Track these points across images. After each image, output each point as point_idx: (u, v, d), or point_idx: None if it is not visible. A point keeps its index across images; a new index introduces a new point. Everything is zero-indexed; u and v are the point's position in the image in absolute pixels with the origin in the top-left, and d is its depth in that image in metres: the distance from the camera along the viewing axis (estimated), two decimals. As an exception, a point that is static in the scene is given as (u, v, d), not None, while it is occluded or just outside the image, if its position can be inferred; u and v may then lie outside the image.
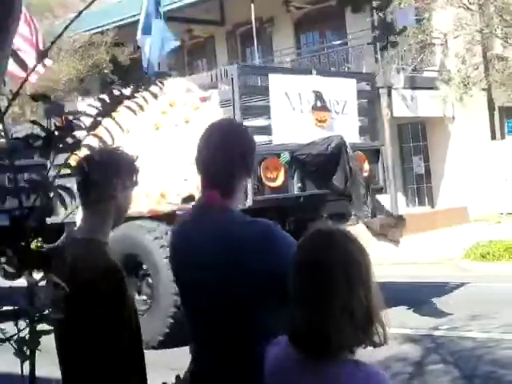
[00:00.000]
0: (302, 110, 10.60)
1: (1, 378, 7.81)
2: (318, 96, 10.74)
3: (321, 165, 10.38)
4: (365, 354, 2.26)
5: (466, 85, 21.20)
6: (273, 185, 10.22)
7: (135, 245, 9.92)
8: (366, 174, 10.98)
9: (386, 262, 15.12)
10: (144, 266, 10.11)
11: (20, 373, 1.89)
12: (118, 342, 3.00)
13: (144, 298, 10.10)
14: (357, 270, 2.17)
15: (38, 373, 1.96)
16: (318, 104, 10.80)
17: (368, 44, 22.41)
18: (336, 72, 14.49)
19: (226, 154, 2.80)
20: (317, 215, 10.44)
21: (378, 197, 11.51)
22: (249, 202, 9.68)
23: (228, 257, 2.68)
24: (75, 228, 3.33)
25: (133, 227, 9.64)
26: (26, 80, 1.76)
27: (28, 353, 1.87)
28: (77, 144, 2.03)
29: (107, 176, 3.09)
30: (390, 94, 21.80)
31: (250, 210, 9.54)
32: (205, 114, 9.56)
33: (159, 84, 2.29)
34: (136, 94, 2.19)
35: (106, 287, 2.95)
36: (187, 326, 2.95)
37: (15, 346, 1.83)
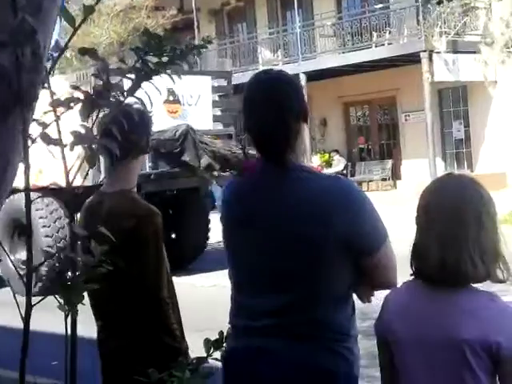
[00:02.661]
0: (155, 104, 12.70)
1: (43, 337, 7.96)
2: (170, 91, 12.88)
3: (171, 148, 12.45)
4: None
5: (508, 48, 20.90)
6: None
7: (21, 212, 11.17)
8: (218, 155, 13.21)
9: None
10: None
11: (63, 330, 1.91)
12: (162, 279, 3.21)
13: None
14: (486, 208, 2.34)
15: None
16: (170, 98, 13.08)
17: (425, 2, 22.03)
18: (190, 71, 15.82)
19: (279, 120, 2.61)
20: (169, 189, 13.38)
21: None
22: (102, 178, 11.15)
23: (312, 212, 2.60)
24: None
25: (19, 197, 10.73)
26: (74, 34, 1.78)
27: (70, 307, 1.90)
28: (119, 103, 2.06)
29: (143, 133, 3.27)
30: (431, 58, 21.53)
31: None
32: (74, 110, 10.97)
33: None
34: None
35: (153, 227, 3.23)
36: (237, 293, 2.81)
37: (59, 300, 1.86)
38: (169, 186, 13.20)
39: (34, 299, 1.82)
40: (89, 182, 12.40)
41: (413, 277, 2.43)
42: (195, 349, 3.02)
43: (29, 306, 1.81)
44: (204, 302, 10.57)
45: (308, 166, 2.81)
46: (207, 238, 14.43)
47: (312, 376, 2.62)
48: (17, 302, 1.89)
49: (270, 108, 2.62)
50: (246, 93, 2.72)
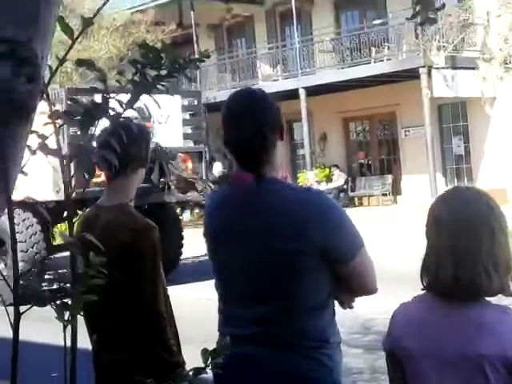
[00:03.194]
0: None
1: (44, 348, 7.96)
2: (140, 110, 13.39)
3: None
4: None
5: (507, 64, 20.95)
6: (96, 180, 12.35)
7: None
8: (189, 171, 14.13)
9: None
10: (5, 243, 12.15)
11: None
12: (159, 293, 3.20)
13: (5, 266, 12.54)
14: (498, 221, 2.33)
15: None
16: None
17: (407, 19, 22.06)
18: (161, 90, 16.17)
19: (255, 131, 2.74)
20: (141, 204, 12.89)
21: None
22: (73, 194, 11.41)
23: (287, 225, 2.70)
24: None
25: None
26: (72, 45, 1.77)
27: (69, 317, 1.89)
28: (118, 116, 2.05)
29: (142, 146, 3.27)
30: (430, 74, 21.57)
31: (76, 200, 11.36)
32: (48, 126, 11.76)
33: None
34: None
35: (150, 242, 3.22)
36: (222, 304, 2.94)
37: (57, 310, 1.84)
38: (140, 201, 13.03)
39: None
40: (60, 197, 12.58)
41: (424, 291, 2.41)
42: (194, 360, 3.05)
43: (17, 315, 1.81)
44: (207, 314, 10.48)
45: (283, 179, 2.97)
46: (180, 253, 14.56)
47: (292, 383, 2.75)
48: (7, 312, 1.88)
49: (246, 121, 2.76)
50: (224, 110, 2.87)
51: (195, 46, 27.10)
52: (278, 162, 2.87)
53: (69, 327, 1.89)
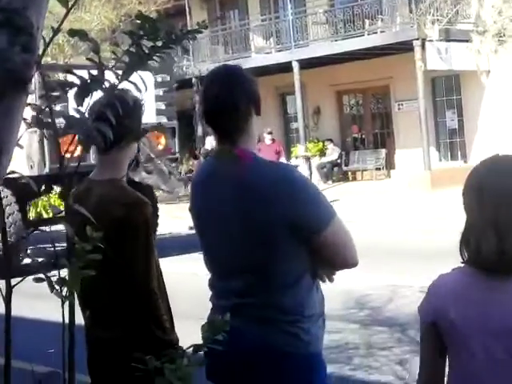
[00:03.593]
0: None
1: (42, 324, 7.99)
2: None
3: None
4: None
5: (501, 37, 20.89)
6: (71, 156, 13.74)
7: None
8: (161, 147, 14.55)
9: (429, 216, 15.06)
10: None
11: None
12: (152, 269, 3.19)
13: None
14: None
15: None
16: None
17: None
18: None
19: (231, 102, 2.86)
20: None
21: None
22: (46, 169, 12.93)
23: (257, 199, 2.80)
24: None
25: None
26: (67, 14, 1.73)
27: (67, 294, 1.87)
28: (113, 88, 2.02)
29: (136, 119, 3.23)
30: (423, 47, 21.50)
31: (50, 175, 12.78)
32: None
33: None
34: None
35: (143, 217, 3.18)
36: (211, 276, 3.05)
37: (55, 286, 1.82)
38: None
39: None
40: (34, 172, 12.89)
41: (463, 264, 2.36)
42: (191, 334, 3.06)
43: (9, 288, 1.80)
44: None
45: (256, 153, 2.99)
46: (157, 224, 14.64)
47: (268, 357, 2.82)
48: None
49: (222, 94, 2.87)
50: (203, 85, 3.00)
51: (188, 17, 26.94)
52: (254, 132, 2.97)
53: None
